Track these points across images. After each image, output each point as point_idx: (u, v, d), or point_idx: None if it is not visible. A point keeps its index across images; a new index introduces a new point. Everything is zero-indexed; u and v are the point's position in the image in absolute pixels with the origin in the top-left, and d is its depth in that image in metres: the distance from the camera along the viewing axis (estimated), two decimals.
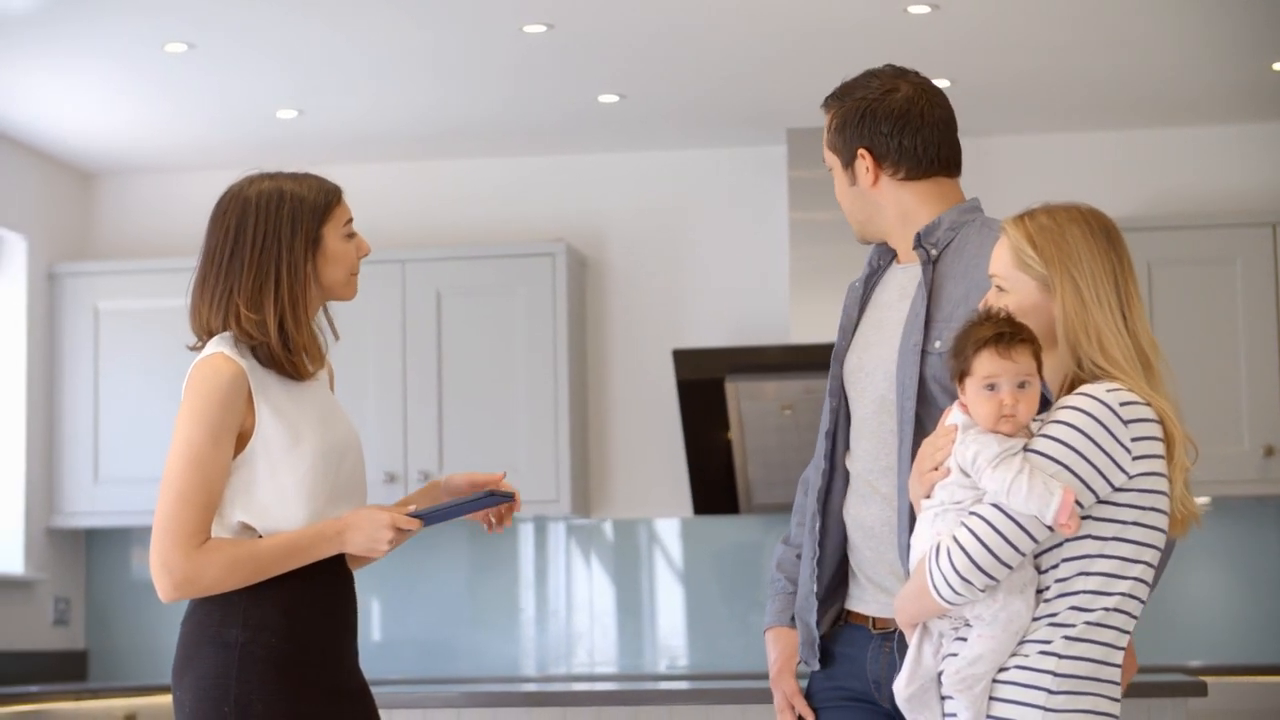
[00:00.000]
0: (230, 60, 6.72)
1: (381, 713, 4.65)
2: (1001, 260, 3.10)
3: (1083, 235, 3.05)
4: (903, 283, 3.48)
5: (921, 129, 3.47)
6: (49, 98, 7.11)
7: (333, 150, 7.88)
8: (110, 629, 8.07)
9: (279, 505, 3.36)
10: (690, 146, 7.94)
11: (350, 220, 3.53)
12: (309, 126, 7.53)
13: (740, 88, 7.14)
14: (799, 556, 3.58)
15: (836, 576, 3.46)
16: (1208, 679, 6.78)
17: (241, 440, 3.36)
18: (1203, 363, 7.27)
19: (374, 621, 7.99)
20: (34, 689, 6.49)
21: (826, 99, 3.56)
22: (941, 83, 6.97)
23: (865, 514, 3.40)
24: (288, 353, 3.42)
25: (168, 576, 3.31)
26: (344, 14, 6.27)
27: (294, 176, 3.51)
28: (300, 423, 3.40)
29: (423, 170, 8.12)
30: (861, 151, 3.47)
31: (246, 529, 3.37)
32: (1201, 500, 7.37)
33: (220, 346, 3.39)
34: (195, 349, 3.48)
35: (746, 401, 7.40)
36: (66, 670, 7.88)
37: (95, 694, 6.69)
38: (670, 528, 7.87)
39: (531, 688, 4.95)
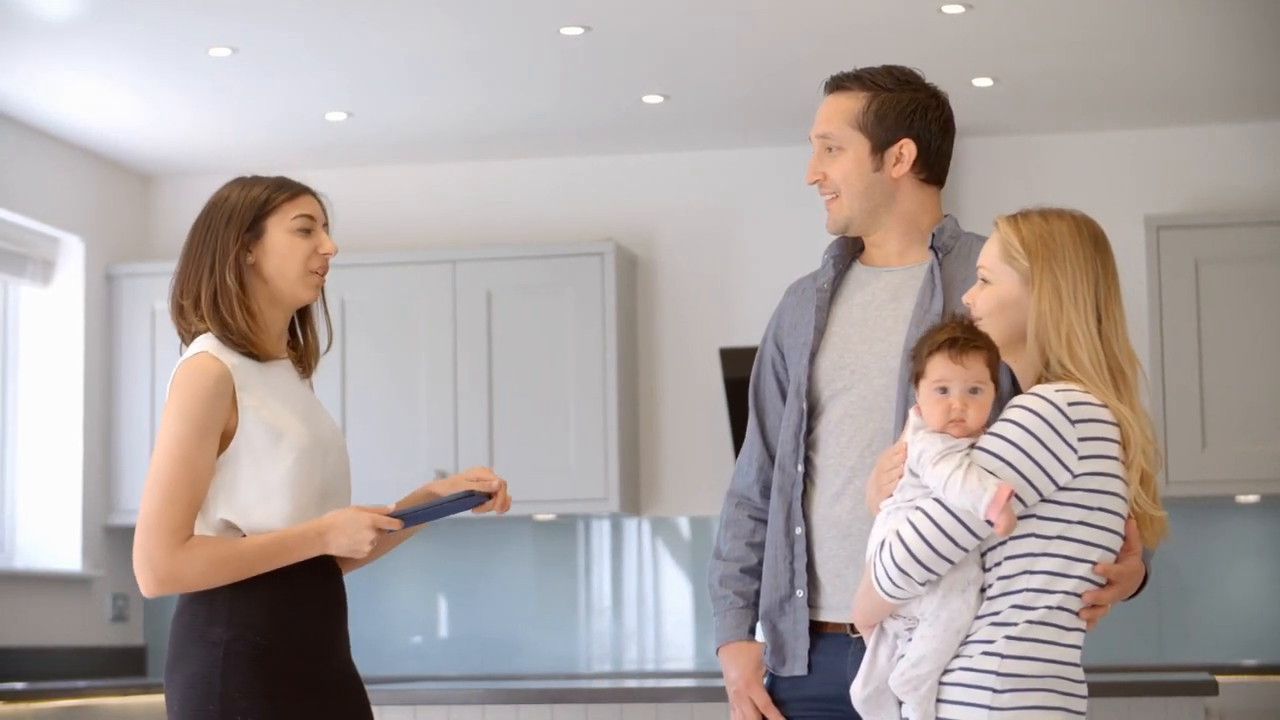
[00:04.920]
0: (276, 64, 6.80)
1: (406, 710, 4.72)
2: (989, 253, 3.16)
3: (1070, 237, 3.10)
4: (893, 283, 3.52)
5: (952, 140, 3.56)
6: (104, 101, 7.22)
7: (382, 152, 7.96)
8: (168, 625, 8.12)
9: (262, 503, 3.39)
10: (737, 146, 7.96)
11: (304, 216, 3.51)
12: (359, 128, 7.61)
13: (783, 87, 7.14)
14: (743, 570, 3.62)
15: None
16: (1259, 678, 6.80)
17: (225, 438, 3.39)
18: (1251, 360, 7.22)
19: (440, 619, 8.06)
20: (81, 684, 6.58)
21: (857, 77, 3.54)
22: (982, 82, 6.98)
23: (838, 512, 3.43)
24: (233, 334, 3.44)
25: (150, 572, 3.36)
26: (387, 18, 6.33)
27: (257, 179, 3.55)
28: (283, 420, 3.43)
29: (472, 171, 8.18)
30: (907, 141, 3.49)
31: (230, 527, 3.40)
32: (1250, 498, 7.40)
33: (204, 346, 3.43)
34: (184, 342, 3.53)
35: None
36: (126, 666, 7.99)
37: (146, 689, 6.77)
38: None
39: (553, 684, 5.00)
